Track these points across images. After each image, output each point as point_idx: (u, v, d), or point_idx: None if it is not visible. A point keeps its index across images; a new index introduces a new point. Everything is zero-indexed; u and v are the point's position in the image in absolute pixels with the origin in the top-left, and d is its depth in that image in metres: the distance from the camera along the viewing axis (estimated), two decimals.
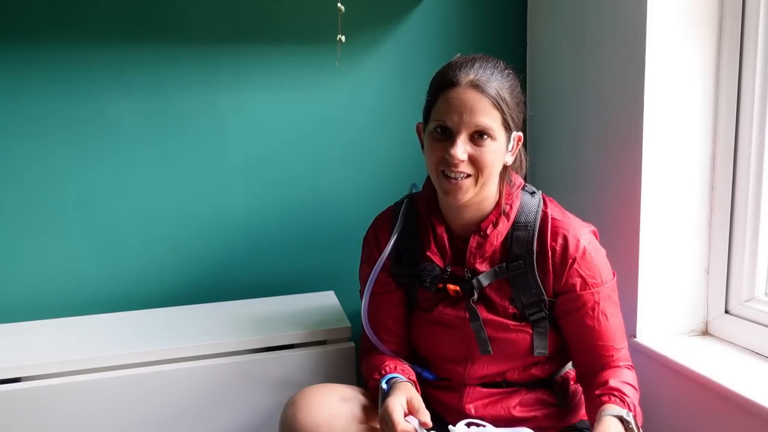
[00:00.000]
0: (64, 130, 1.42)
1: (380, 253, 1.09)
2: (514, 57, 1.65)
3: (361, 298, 1.12)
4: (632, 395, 1.01)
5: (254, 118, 1.52)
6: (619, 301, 1.07)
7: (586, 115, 1.41)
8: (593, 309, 1.03)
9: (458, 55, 1.04)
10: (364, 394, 1.08)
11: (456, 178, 0.98)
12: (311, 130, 1.56)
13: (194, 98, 1.47)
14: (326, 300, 1.52)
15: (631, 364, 1.07)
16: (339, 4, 1.22)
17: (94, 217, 1.46)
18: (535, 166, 1.63)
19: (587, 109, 1.40)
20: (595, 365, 1.05)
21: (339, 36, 1.24)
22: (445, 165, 0.98)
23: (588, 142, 1.41)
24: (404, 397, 0.96)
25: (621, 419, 0.95)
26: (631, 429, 0.95)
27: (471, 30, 1.61)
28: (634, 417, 0.97)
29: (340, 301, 1.50)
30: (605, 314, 1.03)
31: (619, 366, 1.04)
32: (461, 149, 0.96)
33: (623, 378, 1.03)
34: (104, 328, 1.36)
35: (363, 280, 1.13)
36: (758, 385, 1.04)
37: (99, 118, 1.43)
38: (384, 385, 1.01)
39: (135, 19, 1.42)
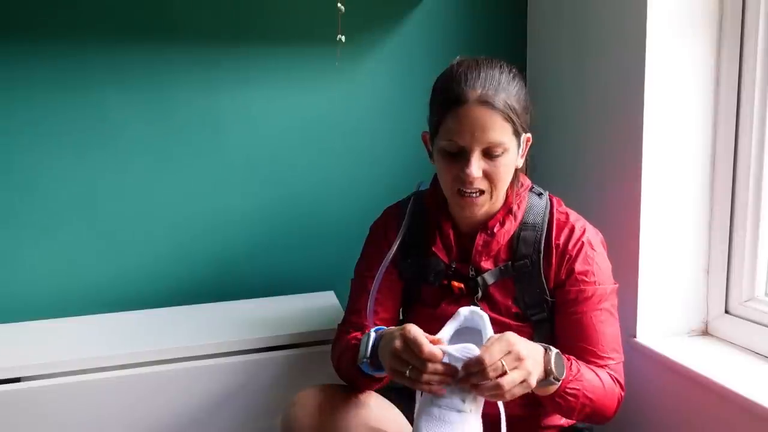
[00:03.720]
0: (64, 130, 1.42)
1: (388, 245, 1.08)
2: (514, 57, 1.64)
3: (352, 285, 1.14)
4: (588, 379, 0.95)
5: (254, 119, 1.52)
6: (620, 301, 1.07)
7: (587, 115, 1.41)
8: (582, 305, 1.02)
9: (458, 57, 1.02)
10: (365, 396, 1.08)
11: (471, 195, 0.98)
12: (311, 130, 1.56)
13: (194, 98, 1.47)
14: (326, 300, 1.52)
15: (619, 379, 1.02)
16: (339, 4, 1.22)
17: (95, 217, 1.46)
18: (535, 166, 1.63)
19: (587, 108, 1.40)
20: None
21: (339, 36, 1.24)
22: (461, 183, 0.97)
23: (588, 142, 1.41)
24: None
25: (546, 349, 0.90)
26: (550, 362, 0.89)
27: (471, 30, 1.61)
28: (568, 371, 0.91)
29: (340, 301, 1.49)
30: (593, 315, 1.01)
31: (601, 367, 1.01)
32: (476, 167, 0.95)
33: (593, 368, 0.98)
34: (104, 328, 1.36)
35: (364, 261, 1.14)
36: (758, 385, 1.04)
37: (99, 119, 1.43)
38: (373, 334, 0.96)
39: (135, 20, 1.42)
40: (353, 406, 1.03)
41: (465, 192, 0.98)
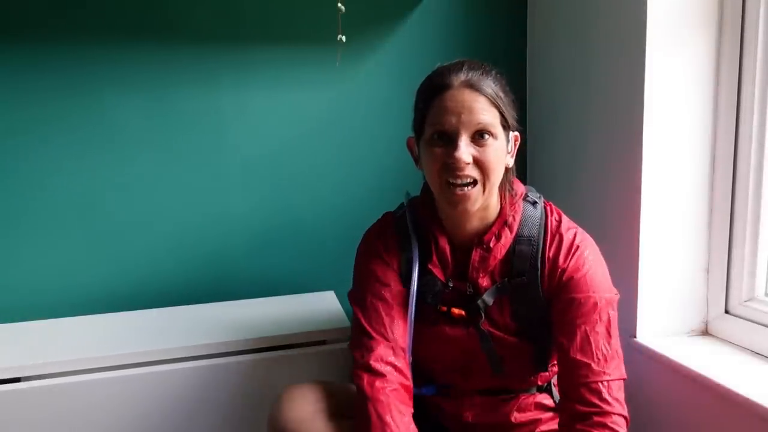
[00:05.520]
0: (64, 131, 1.42)
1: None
2: (514, 57, 1.65)
3: (350, 302, 1.07)
4: None
5: (254, 119, 1.52)
6: (620, 301, 1.06)
7: (586, 115, 1.41)
8: (577, 316, 0.96)
9: (438, 64, 1.00)
10: (348, 390, 1.08)
11: (463, 188, 0.93)
12: (311, 130, 1.56)
13: (194, 99, 1.47)
14: (326, 300, 1.52)
15: (617, 400, 0.93)
16: (339, 4, 1.22)
17: (95, 217, 1.46)
18: (535, 166, 1.63)
19: (587, 109, 1.40)
20: (570, 384, 0.95)
21: (339, 36, 1.24)
22: (450, 172, 0.93)
23: (588, 142, 1.41)
24: None
25: None
26: None
27: (471, 30, 1.61)
28: None
29: (340, 301, 1.50)
30: (588, 327, 0.95)
31: (594, 422, 0.91)
32: (465, 152, 0.91)
33: None
34: (104, 328, 1.36)
35: (367, 281, 1.05)
36: (758, 385, 1.04)
37: (99, 119, 1.43)
38: None
39: (135, 20, 1.42)
40: (337, 401, 1.03)
41: (456, 183, 0.93)
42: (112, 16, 1.41)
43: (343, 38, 1.24)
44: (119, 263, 1.49)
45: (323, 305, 1.48)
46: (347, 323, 1.34)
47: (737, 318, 1.23)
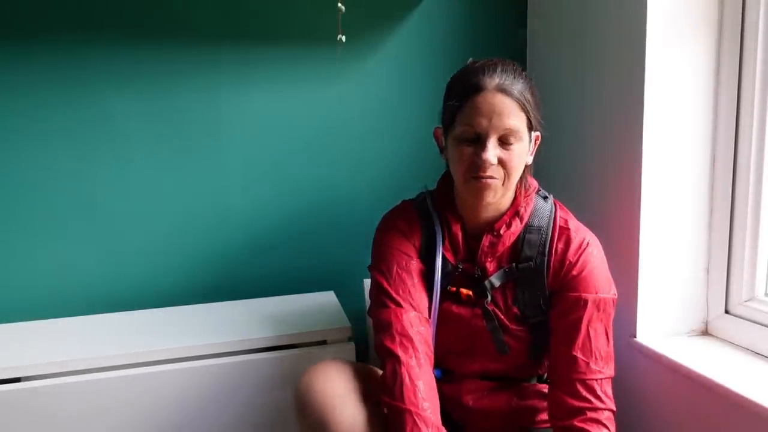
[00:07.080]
0: (63, 130, 1.42)
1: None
2: (514, 57, 1.63)
3: (372, 272, 1.09)
4: None
5: (255, 119, 1.52)
6: (620, 301, 1.07)
7: (586, 115, 1.41)
8: (578, 313, 1.01)
9: (470, 59, 1.05)
10: (373, 373, 1.09)
11: (486, 179, 0.99)
12: (311, 130, 1.56)
13: (195, 98, 1.47)
14: (326, 300, 1.52)
15: (606, 395, 0.99)
16: (339, 4, 1.22)
17: (95, 217, 1.46)
18: (536, 165, 1.63)
19: (587, 109, 1.40)
20: (564, 378, 1.01)
21: (339, 36, 1.24)
22: (475, 170, 0.99)
23: (588, 142, 1.41)
24: None
25: None
26: None
27: (471, 30, 1.61)
28: None
29: (340, 301, 1.50)
30: (589, 325, 1.01)
31: (588, 417, 0.97)
32: (492, 153, 0.97)
33: None
34: (104, 328, 1.36)
35: (392, 259, 1.07)
36: (758, 385, 1.04)
37: (99, 119, 1.43)
38: None
39: (136, 20, 1.42)
40: (365, 384, 1.03)
41: (480, 178, 0.99)
42: (112, 15, 1.41)
43: (343, 38, 1.24)
44: (119, 263, 1.49)
45: (323, 305, 1.48)
46: (347, 323, 1.34)
47: (737, 318, 1.23)
